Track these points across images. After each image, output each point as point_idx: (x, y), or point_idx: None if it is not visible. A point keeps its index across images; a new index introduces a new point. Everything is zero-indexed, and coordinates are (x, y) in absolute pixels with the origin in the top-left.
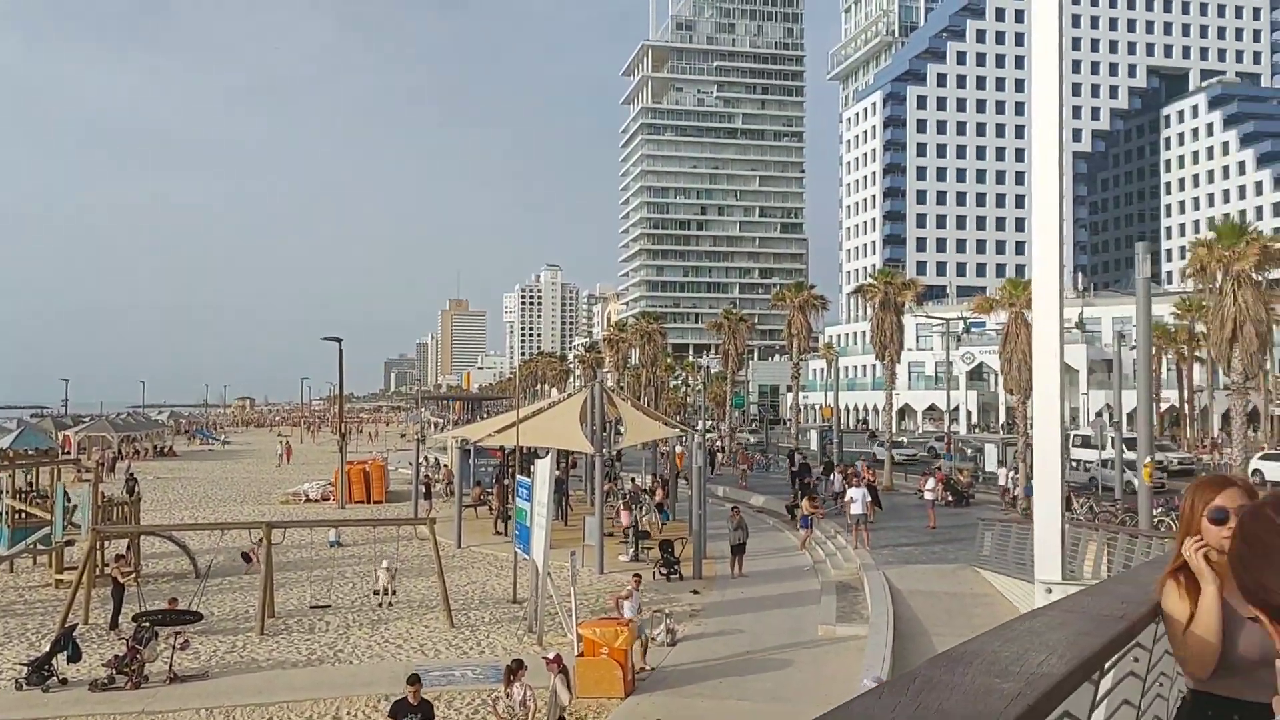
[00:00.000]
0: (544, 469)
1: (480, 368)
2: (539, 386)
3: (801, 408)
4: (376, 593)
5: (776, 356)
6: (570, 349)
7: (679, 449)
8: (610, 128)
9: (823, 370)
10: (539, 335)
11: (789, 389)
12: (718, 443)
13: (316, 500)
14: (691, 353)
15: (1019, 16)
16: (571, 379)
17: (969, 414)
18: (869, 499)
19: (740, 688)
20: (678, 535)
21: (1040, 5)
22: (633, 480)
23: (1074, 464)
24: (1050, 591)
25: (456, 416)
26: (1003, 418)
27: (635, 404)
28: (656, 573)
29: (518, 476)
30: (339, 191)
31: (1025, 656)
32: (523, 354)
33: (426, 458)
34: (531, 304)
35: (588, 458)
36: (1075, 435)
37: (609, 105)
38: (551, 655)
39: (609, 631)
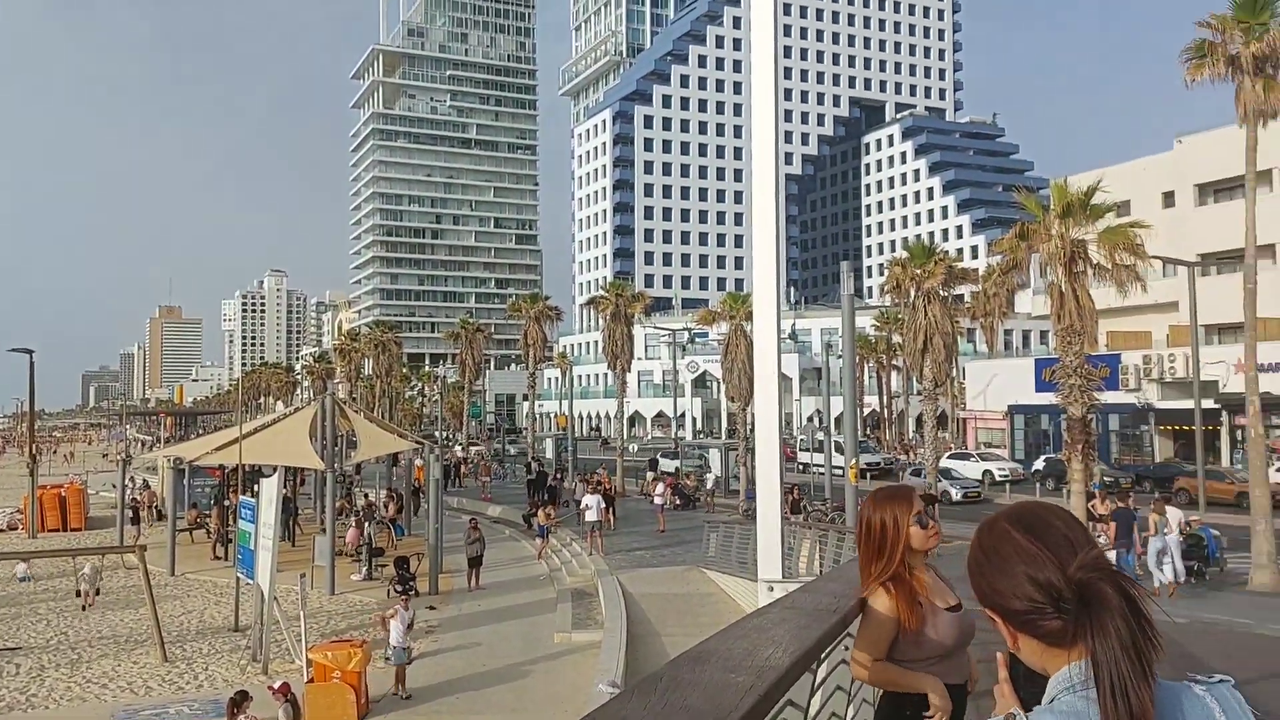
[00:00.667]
0: (270, 488)
1: (195, 380)
2: (263, 400)
3: (537, 416)
4: (78, 594)
5: (513, 366)
6: (298, 359)
7: (418, 462)
8: (342, 131)
9: (558, 379)
10: (262, 345)
11: (525, 398)
12: (460, 454)
13: (3, 530)
14: (428, 363)
15: (737, 45)
16: (300, 391)
17: (694, 420)
18: (604, 506)
19: (479, 702)
20: (414, 550)
21: (757, 36)
22: (365, 496)
23: (800, 467)
24: (772, 589)
25: (168, 434)
26: (725, 423)
27: (369, 416)
28: (391, 590)
29: (241, 496)
30: (33, 190)
31: (755, 652)
32: (244, 365)
33: (133, 479)
34: (254, 312)
35: (318, 474)
36: (803, 439)
37: (340, 108)
38: (278, 684)
39: (341, 654)
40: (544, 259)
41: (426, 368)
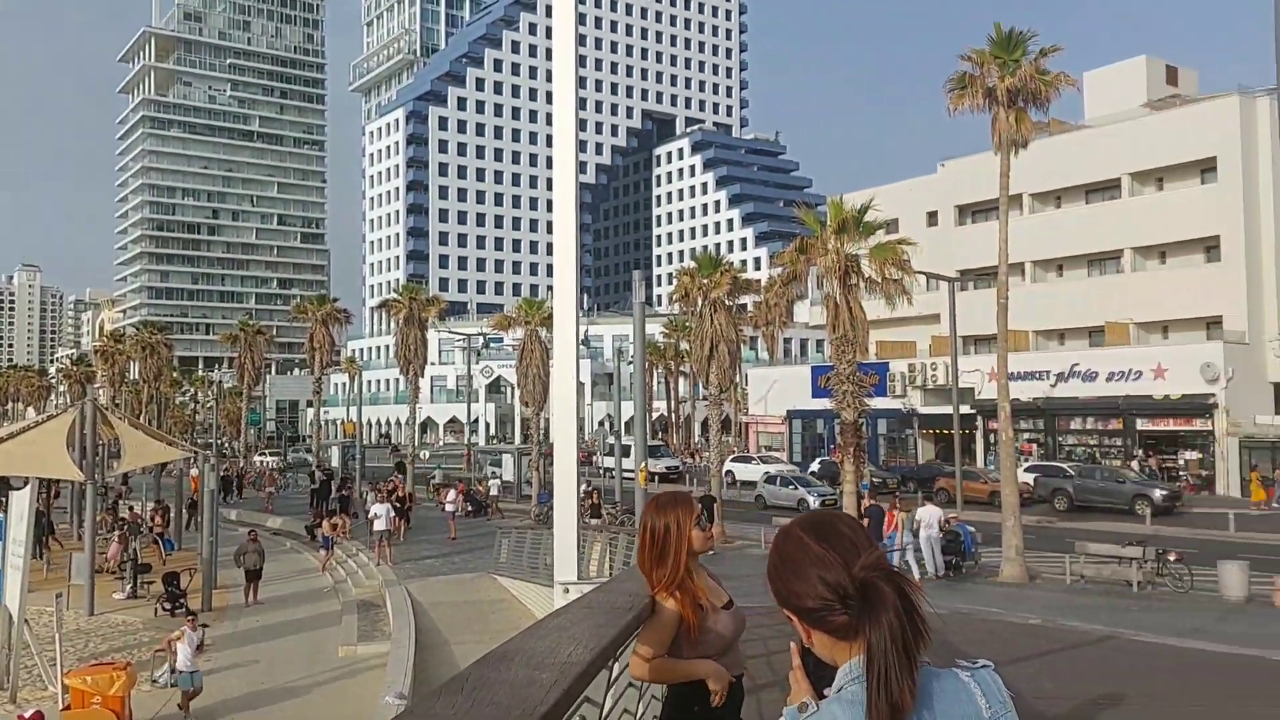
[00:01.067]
0: (20, 502)
1: None
2: (10, 406)
3: (323, 423)
4: None
5: (296, 370)
6: (53, 362)
7: (193, 472)
8: (107, 117)
9: (345, 385)
10: (11, 346)
11: (310, 404)
12: (241, 464)
13: None
14: (202, 366)
15: (533, 51)
16: (54, 396)
17: (488, 426)
18: (393, 515)
19: None
20: (186, 566)
21: (559, 44)
22: (130, 509)
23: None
24: (568, 591)
25: None
26: (519, 429)
27: (135, 423)
28: (159, 608)
29: None
30: None
31: (557, 649)
32: None
33: None
34: (1, 310)
35: (76, 486)
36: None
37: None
38: (29, 713)
39: (103, 678)
40: (332, 259)
41: (200, 372)
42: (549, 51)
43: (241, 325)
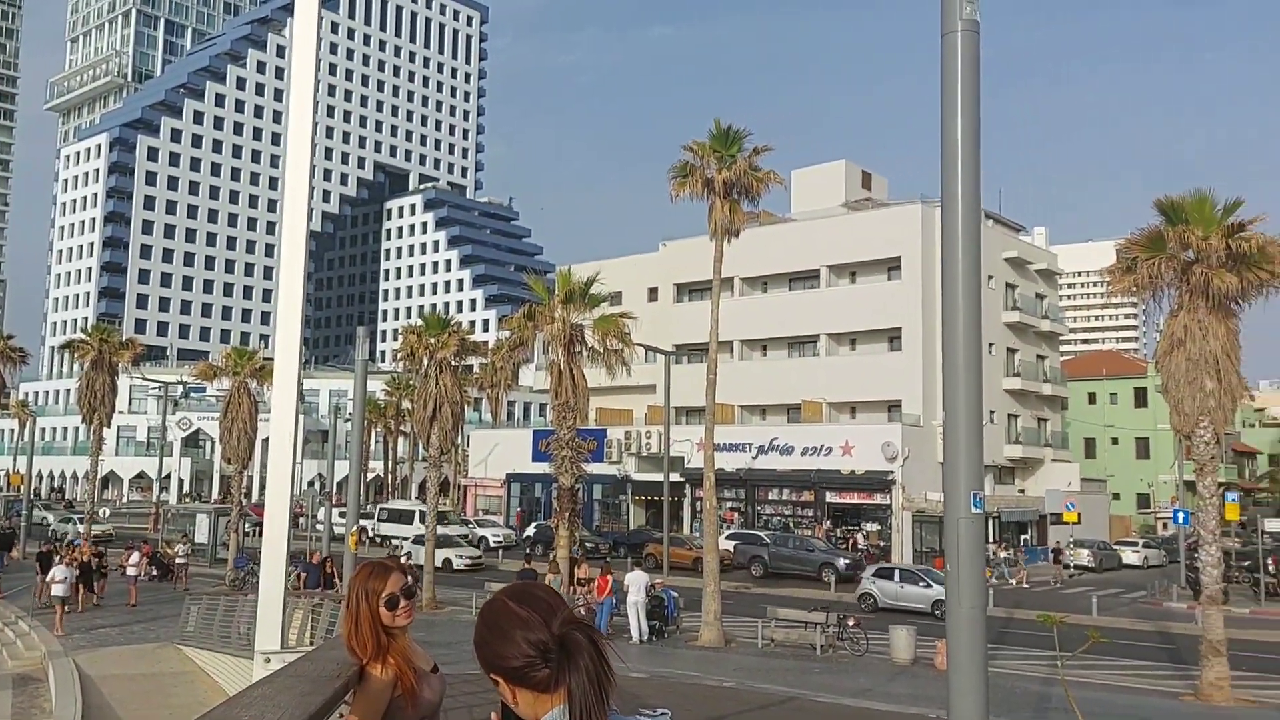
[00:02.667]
0: None
1: None
2: None
3: None
4: None
5: None
6: None
7: None
8: None
9: (14, 431)
10: None
11: None
12: None
13: None
14: None
15: (260, 89)
16: None
17: (181, 482)
18: (72, 579)
19: None
20: None
21: (297, 85)
22: None
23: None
24: (269, 661)
25: None
26: (217, 486)
27: None
28: None
29: None
30: None
31: (262, 718)
32: None
33: None
34: None
35: None
36: (383, 509)
37: None
38: None
39: None
40: (8, 290)
41: None
42: (278, 92)
43: None
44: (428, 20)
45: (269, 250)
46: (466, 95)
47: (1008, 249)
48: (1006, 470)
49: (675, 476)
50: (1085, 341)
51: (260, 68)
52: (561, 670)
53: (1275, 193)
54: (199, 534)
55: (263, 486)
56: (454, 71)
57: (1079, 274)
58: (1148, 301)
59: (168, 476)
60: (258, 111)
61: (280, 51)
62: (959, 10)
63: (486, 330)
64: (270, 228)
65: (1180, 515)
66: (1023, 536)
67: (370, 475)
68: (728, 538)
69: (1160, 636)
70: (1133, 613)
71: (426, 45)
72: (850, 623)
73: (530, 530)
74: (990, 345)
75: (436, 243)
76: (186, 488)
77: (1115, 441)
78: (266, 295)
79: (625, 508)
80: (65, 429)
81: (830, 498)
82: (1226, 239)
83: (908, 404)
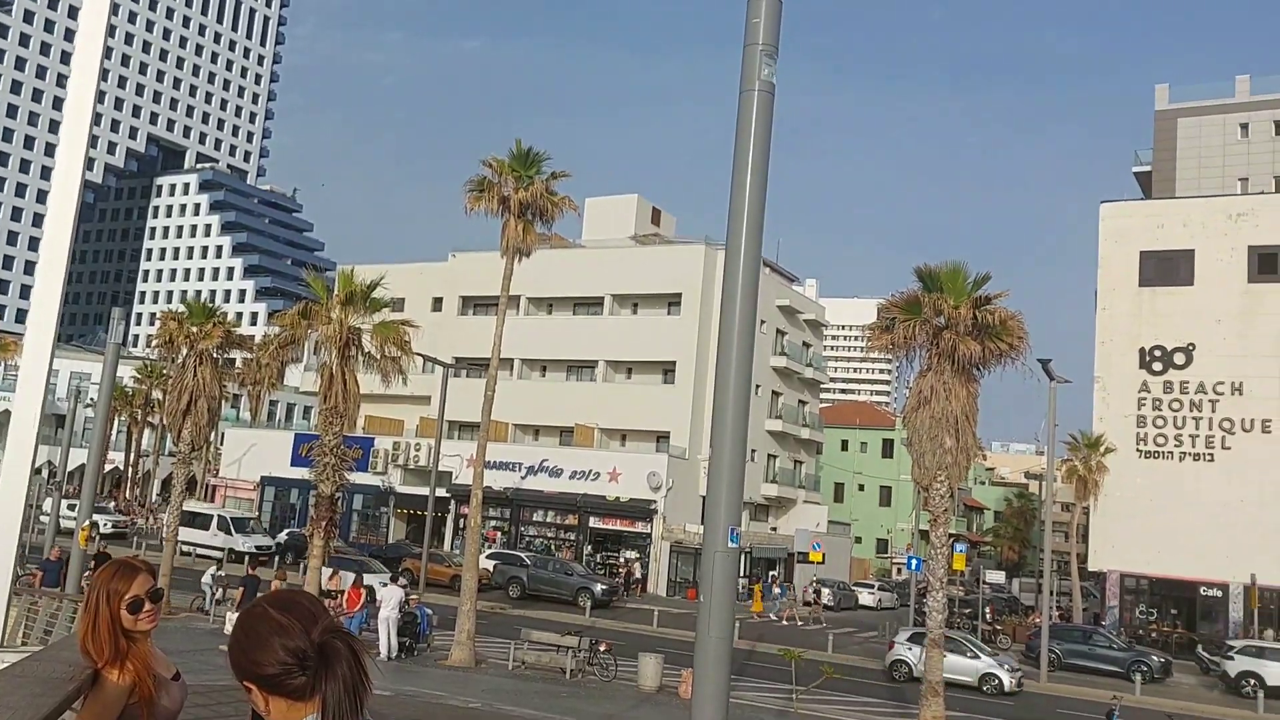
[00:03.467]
0: None
1: None
2: None
3: None
4: None
5: None
6: None
7: None
8: None
9: None
10: None
11: None
12: None
13: None
14: None
15: (23, 39)
16: None
17: None
18: None
19: None
20: None
21: (83, 43)
22: None
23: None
24: None
25: None
26: None
27: None
28: None
29: None
30: None
31: None
32: None
33: None
34: None
35: None
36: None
37: None
38: None
39: None
40: None
41: None
42: (44, 45)
43: None
44: None
45: (14, 214)
46: (258, 78)
47: (781, 297)
48: (761, 508)
49: (441, 492)
50: (843, 390)
51: (28, 17)
52: (318, 678)
53: (1018, 268)
54: None
55: None
56: (246, 51)
57: (842, 327)
58: (901, 360)
59: None
60: (19, 64)
61: (53, 3)
62: (757, 72)
63: (254, 323)
64: (20, 189)
65: (914, 561)
66: (770, 573)
67: (109, 467)
68: (488, 557)
69: (887, 675)
70: (864, 651)
71: (219, 20)
72: (602, 648)
73: (282, 537)
74: (758, 387)
75: (209, 226)
76: None
77: (862, 488)
78: (7, 263)
79: (386, 520)
80: None
81: (594, 523)
82: (974, 309)
83: (676, 436)
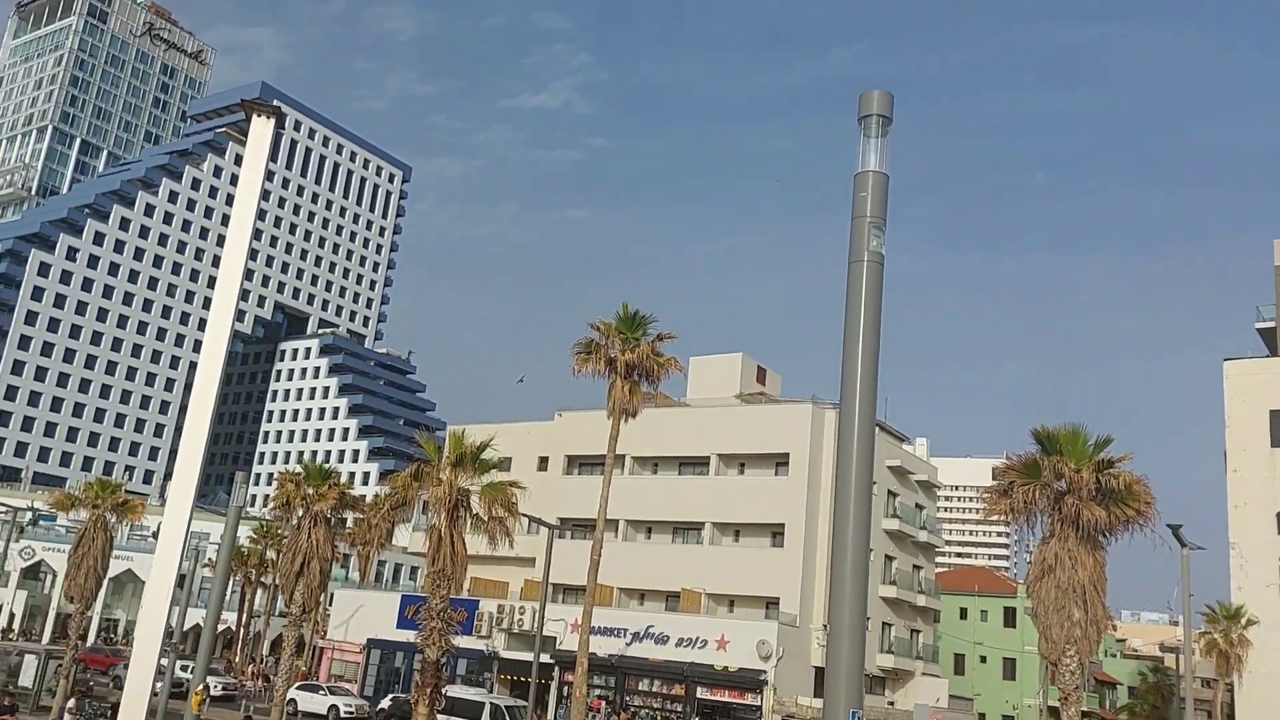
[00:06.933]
0: None
1: None
2: None
3: None
4: None
5: None
6: None
7: None
8: None
9: None
10: None
11: None
12: None
13: None
14: None
15: (168, 218)
16: None
17: (13, 616)
18: None
19: None
20: None
21: (236, 222)
22: None
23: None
24: None
25: None
26: (51, 625)
27: None
28: None
29: None
30: None
31: None
32: None
33: None
34: None
35: None
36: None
37: None
38: None
39: None
40: None
41: None
42: (185, 222)
43: None
44: (349, 173)
45: (149, 379)
46: (379, 248)
47: (891, 457)
48: (877, 680)
49: (545, 657)
50: (958, 555)
51: (172, 198)
52: None
53: (1138, 433)
54: (24, 677)
55: (100, 630)
56: (369, 224)
57: (955, 487)
58: (1021, 525)
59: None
60: (161, 240)
61: (195, 185)
62: (865, 243)
63: (366, 483)
64: (155, 356)
65: None
66: None
67: (221, 626)
68: None
69: None
70: None
71: (345, 195)
72: None
73: (385, 703)
74: (871, 551)
75: (327, 389)
76: (19, 622)
77: (984, 660)
78: (139, 425)
79: (490, 685)
80: None
81: (701, 693)
82: (1097, 473)
83: (785, 602)
